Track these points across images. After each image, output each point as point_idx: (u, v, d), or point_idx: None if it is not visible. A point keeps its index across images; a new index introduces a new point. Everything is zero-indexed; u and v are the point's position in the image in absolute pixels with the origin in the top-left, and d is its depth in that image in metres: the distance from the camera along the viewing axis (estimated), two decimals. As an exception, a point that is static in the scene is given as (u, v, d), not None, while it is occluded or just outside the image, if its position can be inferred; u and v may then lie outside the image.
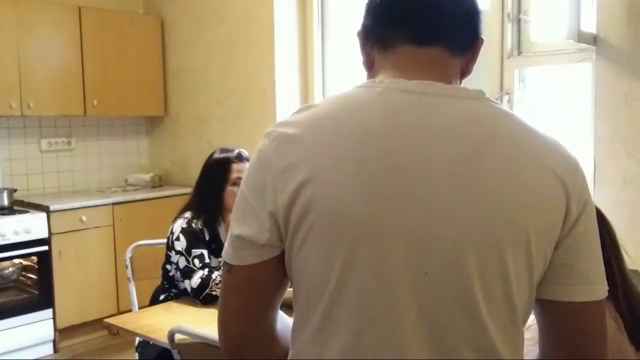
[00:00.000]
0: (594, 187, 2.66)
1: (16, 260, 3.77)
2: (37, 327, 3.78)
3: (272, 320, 0.99)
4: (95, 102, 4.23)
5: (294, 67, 4.03)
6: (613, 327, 1.37)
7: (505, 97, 3.16)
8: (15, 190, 4.03)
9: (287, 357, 0.97)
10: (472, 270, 0.84)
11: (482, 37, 0.98)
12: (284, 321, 1.02)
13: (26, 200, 4.04)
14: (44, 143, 4.34)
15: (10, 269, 3.80)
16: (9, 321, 3.67)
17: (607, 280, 1.41)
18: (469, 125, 0.88)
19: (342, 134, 0.87)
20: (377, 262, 0.85)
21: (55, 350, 3.88)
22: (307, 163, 0.86)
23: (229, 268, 0.94)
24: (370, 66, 0.99)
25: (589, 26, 2.60)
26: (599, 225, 1.48)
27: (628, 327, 1.39)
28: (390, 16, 0.95)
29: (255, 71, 4.07)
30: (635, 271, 2.56)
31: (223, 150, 2.49)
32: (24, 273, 3.87)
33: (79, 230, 3.92)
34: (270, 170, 0.89)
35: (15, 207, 3.91)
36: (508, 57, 3.14)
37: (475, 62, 0.99)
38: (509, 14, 3.10)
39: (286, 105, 4.01)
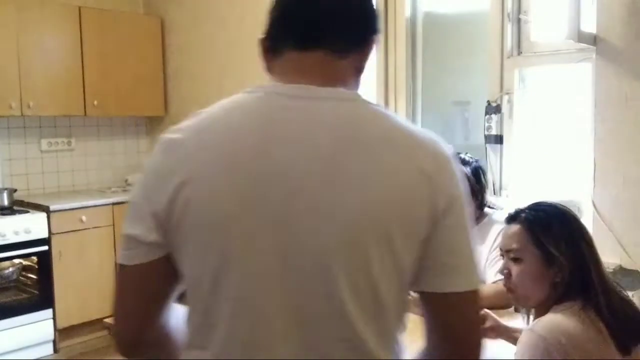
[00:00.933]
0: (594, 187, 2.66)
1: (16, 260, 3.78)
2: (37, 327, 3.78)
3: (166, 317, 1.02)
4: (95, 102, 4.22)
5: (294, 67, 4.02)
6: (593, 335, 1.34)
7: (505, 97, 3.16)
8: (15, 190, 4.03)
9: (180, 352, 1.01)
10: (338, 268, 0.88)
11: (377, 33, 1.01)
12: (177, 316, 1.04)
13: (26, 200, 4.04)
14: (44, 143, 4.34)
15: (10, 269, 3.80)
16: (9, 321, 3.67)
17: (586, 288, 1.41)
18: (339, 126, 0.92)
19: (219, 137, 0.93)
20: (248, 263, 0.89)
21: (55, 350, 3.88)
22: (186, 166, 0.91)
23: (120, 268, 0.98)
24: (270, 71, 1.04)
25: (589, 26, 2.59)
26: (575, 233, 1.47)
27: (614, 334, 1.36)
28: (278, 22, 1.00)
29: (255, 71, 4.04)
30: (635, 271, 2.56)
31: None
32: (24, 273, 3.87)
33: (79, 230, 3.92)
34: (155, 173, 0.95)
35: (15, 207, 3.91)
36: (508, 57, 3.13)
37: (368, 58, 1.01)
38: (509, 14, 3.10)
39: (286, 105, 4.00)
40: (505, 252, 1.54)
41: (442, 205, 0.91)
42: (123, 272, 0.97)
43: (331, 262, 0.88)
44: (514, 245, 1.49)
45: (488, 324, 1.73)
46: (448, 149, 0.96)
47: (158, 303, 1.00)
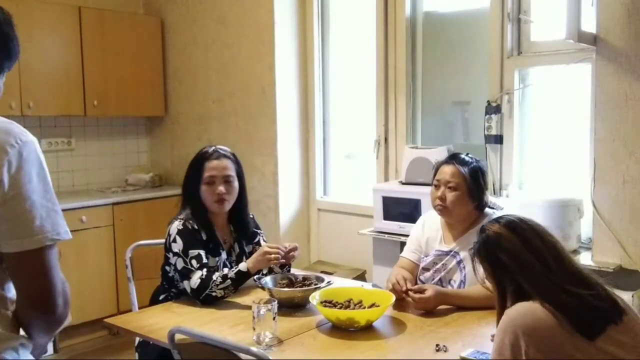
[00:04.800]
0: (594, 186, 2.66)
1: (16, 260, 3.77)
2: (37, 327, 3.78)
3: None
4: (95, 102, 4.22)
5: (293, 67, 4.03)
6: (554, 323, 1.39)
7: (505, 97, 3.16)
8: (15, 190, 4.03)
9: None
10: None
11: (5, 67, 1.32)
12: None
13: (26, 200, 4.03)
14: (44, 143, 4.34)
15: (10, 269, 3.79)
16: (9, 321, 3.67)
17: (533, 284, 1.47)
18: None
19: None
20: None
21: (55, 350, 3.87)
22: None
23: None
24: None
25: (589, 26, 2.60)
26: (514, 235, 1.55)
27: (575, 319, 1.40)
28: None
29: (255, 71, 4.07)
30: (635, 271, 2.56)
31: (202, 149, 2.49)
32: (23, 273, 3.87)
33: (79, 230, 3.92)
34: None
35: (15, 207, 3.90)
36: (508, 57, 3.14)
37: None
38: (509, 14, 3.10)
39: (286, 105, 4.00)
40: None
41: (4, 189, 1.17)
42: None
43: None
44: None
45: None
46: (18, 141, 1.21)
47: None
